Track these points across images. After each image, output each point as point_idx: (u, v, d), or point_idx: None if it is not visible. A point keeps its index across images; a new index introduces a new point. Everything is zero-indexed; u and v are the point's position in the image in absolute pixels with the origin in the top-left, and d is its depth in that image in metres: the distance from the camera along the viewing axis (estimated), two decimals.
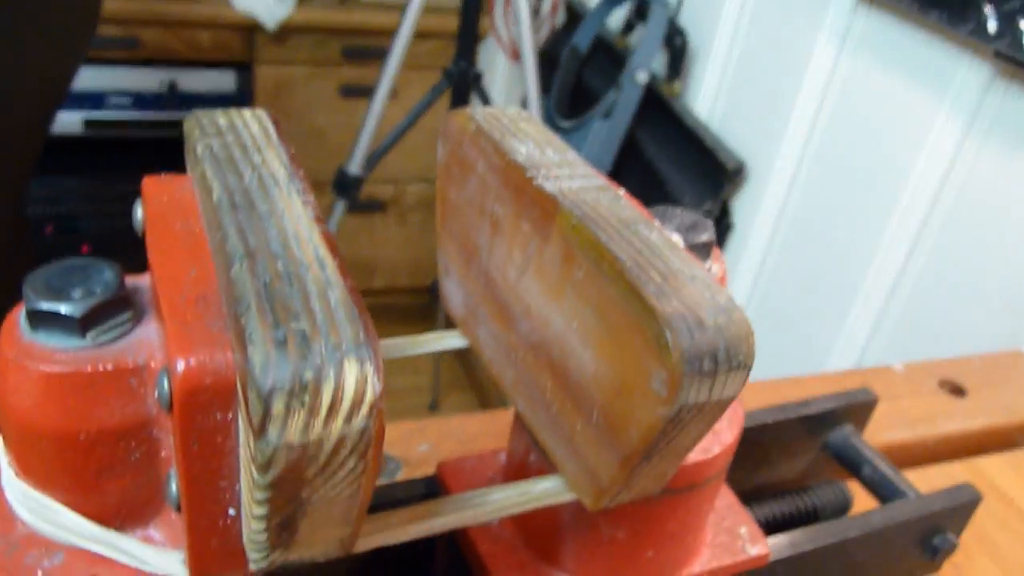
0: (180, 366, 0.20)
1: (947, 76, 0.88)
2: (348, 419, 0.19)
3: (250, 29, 1.75)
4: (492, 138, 0.28)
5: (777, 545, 0.37)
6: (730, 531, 0.35)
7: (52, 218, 1.82)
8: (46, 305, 0.22)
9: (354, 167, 1.41)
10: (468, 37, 1.26)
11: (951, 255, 0.89)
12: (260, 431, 0.18)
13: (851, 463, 0.46)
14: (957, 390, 0.66)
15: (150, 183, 0.26)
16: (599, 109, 1.25)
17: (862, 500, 0.46)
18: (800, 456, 0.47)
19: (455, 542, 0.34)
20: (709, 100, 1.25)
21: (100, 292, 0.22)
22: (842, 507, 0.44)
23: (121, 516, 0.24)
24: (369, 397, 0.19)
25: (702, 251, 0.29)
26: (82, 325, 0.22)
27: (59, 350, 0.22)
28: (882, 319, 0.97)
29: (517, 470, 0.33)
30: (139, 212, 0.26)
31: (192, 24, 1.71)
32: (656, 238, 0.25)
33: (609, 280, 0.23)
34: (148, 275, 0.25)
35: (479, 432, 0.50)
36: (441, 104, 1.45)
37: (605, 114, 1.23)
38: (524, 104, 1.48)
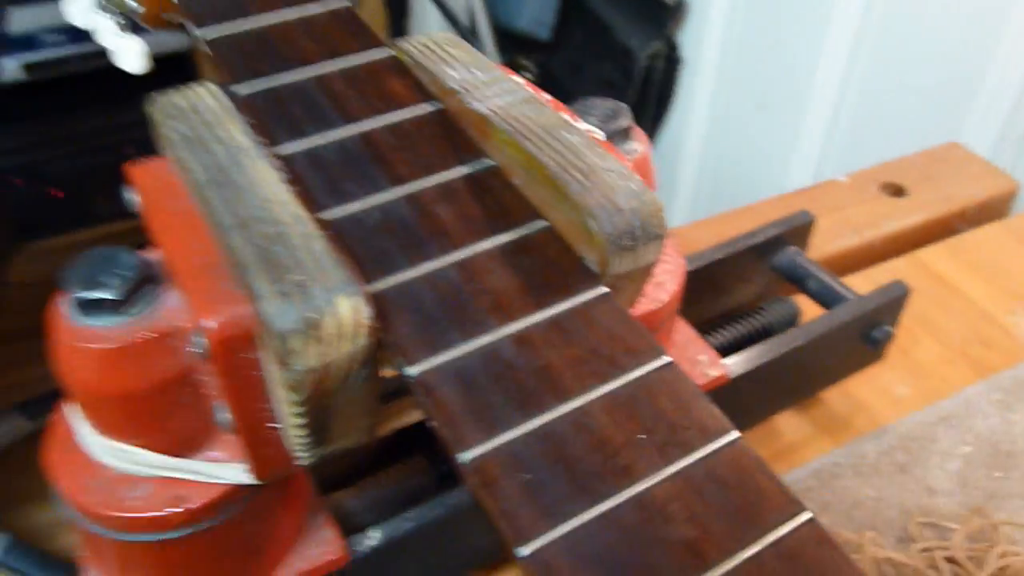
0: (212, 324, 0.25)
1: None
2: (352, 340, 0.24)
3: None
4: (429, 70, 0.32)
5: (734, 364, 0.43)
6: (691, 360, 0.41)
7: (17, 169, 1.81)
8: (91, 295, 0.26)
9: None
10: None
11: (890, 54, 0.92)
12: (285, 365, 0.23)
13: (798, 280, 0.51)
14: (898, 191, 0.71)
15: (134, 169, 0.30)
16: None
17: (812, 311, 0.52)
18: (753, 282, 0.52)
19: None
20: None
21: (131, 275, 0.27)
22: (791, 320, 0.51)
23: (186, 446, 0.29)
24: (364, 319, 0.24)
25: (623, 136, 0.33)
26: (123, 305, 0.26)
27: (108, 329, 0.27)
28: (832, 129, 1.01)
29: None
30: (133, 197, 0.30)
31: None
32: (576, 140, 0.29)
33: (541, 185, 0.28)
34: (155, 250, 0.29)
35: None
36: None
37: None
38: None
